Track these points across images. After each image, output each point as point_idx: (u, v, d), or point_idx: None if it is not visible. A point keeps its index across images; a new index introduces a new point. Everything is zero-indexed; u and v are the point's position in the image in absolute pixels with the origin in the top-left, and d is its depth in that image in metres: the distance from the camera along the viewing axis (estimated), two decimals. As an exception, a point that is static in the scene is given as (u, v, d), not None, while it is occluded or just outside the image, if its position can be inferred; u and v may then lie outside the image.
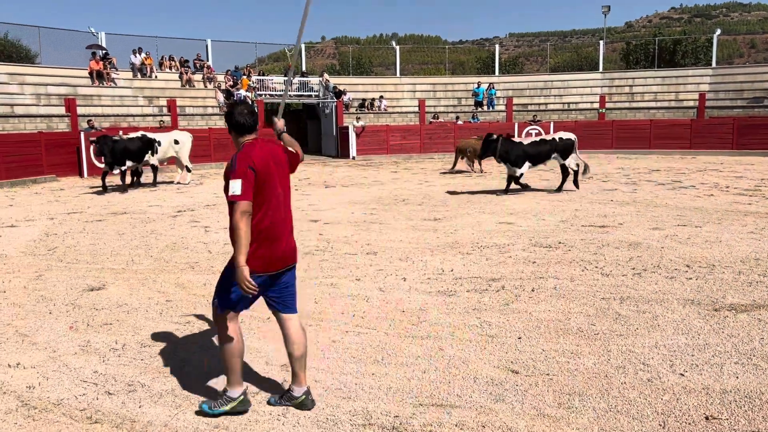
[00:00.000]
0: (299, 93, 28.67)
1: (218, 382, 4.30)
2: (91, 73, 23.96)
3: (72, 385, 4.33)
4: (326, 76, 29.29)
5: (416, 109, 28.86)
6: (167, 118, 23.54)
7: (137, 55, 25.67)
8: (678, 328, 5.22)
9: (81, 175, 19.10)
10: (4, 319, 5.77)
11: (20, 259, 8.27)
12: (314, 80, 28.96)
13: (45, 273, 7.47)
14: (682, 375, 4.31)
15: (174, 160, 17.63)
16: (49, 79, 23.07)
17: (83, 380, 4.40)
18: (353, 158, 25.63)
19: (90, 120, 20.77)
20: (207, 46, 28.56)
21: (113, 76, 24.59)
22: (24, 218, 11.55)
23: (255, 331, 5.33)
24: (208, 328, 5.43)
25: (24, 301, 6.32)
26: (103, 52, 25.08)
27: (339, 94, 27.79)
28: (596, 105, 28.86)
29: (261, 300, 3.89)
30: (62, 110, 21.47)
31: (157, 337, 5.25)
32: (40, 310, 6.04)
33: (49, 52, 24.84)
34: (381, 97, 29.26)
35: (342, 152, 26.57)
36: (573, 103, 29.76)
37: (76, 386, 4.31)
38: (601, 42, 33.31)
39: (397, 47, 33.34)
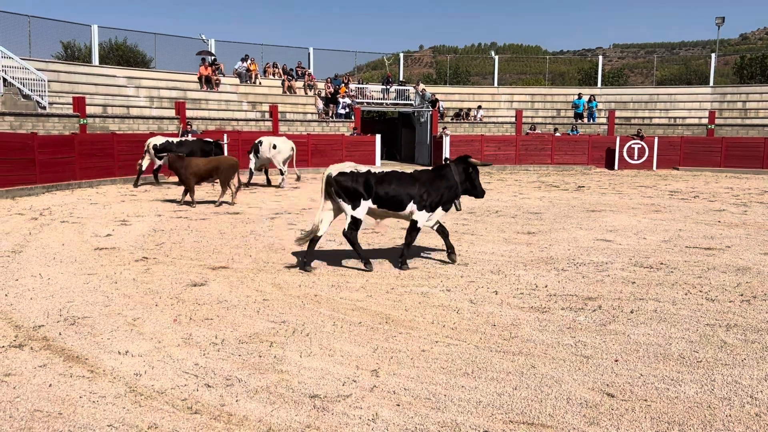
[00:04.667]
0: (395, 101, 28.97)
1: (310, 385, 4.42)
2: (200, 78, 25.20)
3: (175, 375, 4.56)
4: (422, 85, 29.45)
5: (513, 119, 28.47)
6: (269, 123, 24.40)
7: (243, 62, 26.76)
8: (792, 361, 4.89)
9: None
10: (115, 308, 6.16)
11: (130, 252, 8.79)
12: (411, 89, 29.17)
13: (152, 267, 7.90)
14: (796, 413, 4.03)
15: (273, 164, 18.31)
16: (161, 83, 24.45)
17: (185, 371, 4.62)
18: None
19: (189, 123, 21.78)
20: (309, 54, 29.38)
21: (220, 81, 25.75)
22: (135, 214, 12.27)
23: (347, 334, 5.42)
24: (302, 328, 5.58)
25: (133, 293, 6.72)
26: (212, 58, 26.31)
27: (434, 103, 27.87)
28: (705, 120, 27.44)
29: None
30: (172, 113, 22.69)
31: (254, 334, 5.44)
32: (147, 302, 6.40)
33: (162, 57, 26.43)
34: (479, 107, 29.08)
35: (435, 161, 26.59)
36: (680, 118, 28.43)
37: (178, 377, 4.53)
38: (713, 54, 31.69)
39: (496, 57, 33.04)
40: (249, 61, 26.87)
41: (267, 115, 24.98)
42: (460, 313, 6.11)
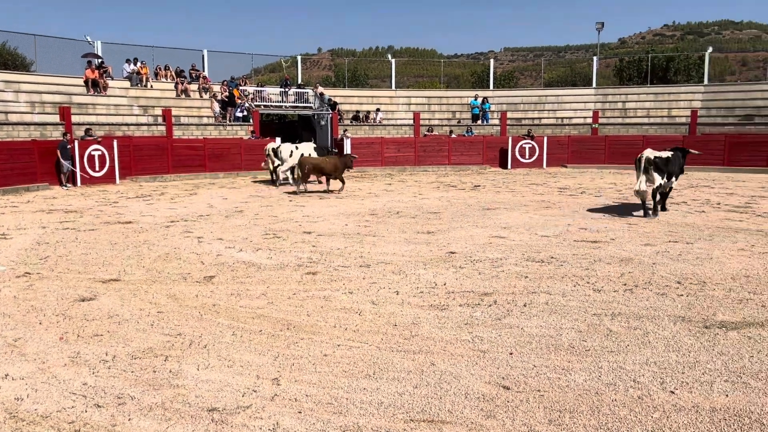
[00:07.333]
0: (295, 104, 28.73)
1: (208, 398, 4.29)
2: (86, 82, 23.93)
3: (61, 397, 4.30)
4: (320, 88, 29.37)
5: (411, 121, 28.94)
6: (163, 128, 23.56)
7: (133, 64, 25.69)
8: (669, 345, 5.24)
9: (75, 183, 19.01)
10: (-7, 329, 5.73)
11: (11, 268, 8.22)
12: (310, 92, 29.02)
13: (36, 283, 7.43)
14: (673, 393, 4.32)
15: None
16: (43, 87, 23.01)
17: (72, 392, 4.37)
18: (348, 170, 25.62)
19: (89, 129, 20.73)
20: (203, 57, 28.59)
21: (109, 84, 24.59)
22: (16, 227, 11.49)
23: (246, 344, 5.31)
24: (200, 340, 5.41)
25: (14, 311, 6.28)
26: (99, 60, 25.09)
27: (334, 105, 27.87)
28: (590, 120, 29.01)
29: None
30: (56, 118, 21.41)
31: (147, 349, 5.22)
32: (30, 320, 6.01)
33: (44, 60, 24.78)
34: (378, 109, 29.35)
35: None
36: (567, 117, 29.92)
37: (64, 398, 4.28)
38: (595, 58, 33.55)
39: (393, 60, 33.46)
40: (139, 64, 25.82)
41: (160, 119, 24.10)
42: (362, 314, 6.14)
